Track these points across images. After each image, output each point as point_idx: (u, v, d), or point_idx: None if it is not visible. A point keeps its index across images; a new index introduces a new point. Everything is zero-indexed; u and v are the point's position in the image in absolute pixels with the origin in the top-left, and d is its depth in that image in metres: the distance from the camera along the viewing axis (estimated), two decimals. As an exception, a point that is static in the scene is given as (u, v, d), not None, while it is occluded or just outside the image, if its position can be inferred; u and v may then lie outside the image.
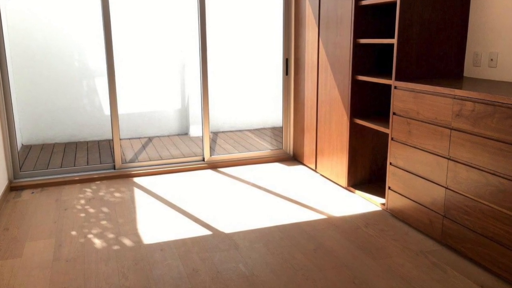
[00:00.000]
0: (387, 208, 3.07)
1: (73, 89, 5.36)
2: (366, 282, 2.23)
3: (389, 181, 3.00)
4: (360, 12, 3.26)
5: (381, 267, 2.37)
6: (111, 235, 2.78)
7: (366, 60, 3.37)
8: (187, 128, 5.81)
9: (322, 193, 3.50)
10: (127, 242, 2.69)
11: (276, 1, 5.86)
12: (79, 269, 2.37)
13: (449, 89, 2.42)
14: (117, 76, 5.45)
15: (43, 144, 5.28)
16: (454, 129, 2.41)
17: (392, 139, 2.93)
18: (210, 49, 5.74)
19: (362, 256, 2.49)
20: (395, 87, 2.87)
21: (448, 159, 2.46)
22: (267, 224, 2.93)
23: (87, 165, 4.27)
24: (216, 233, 2.80)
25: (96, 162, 4.50)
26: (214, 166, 4.19)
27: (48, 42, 5.17)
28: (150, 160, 4.14)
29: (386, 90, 3.48)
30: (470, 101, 2.29)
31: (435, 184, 2.58)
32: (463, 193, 2.39)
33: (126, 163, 4.07)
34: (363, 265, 2.39)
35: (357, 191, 3.43)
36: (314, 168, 4.03)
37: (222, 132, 5.89)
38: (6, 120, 3.59)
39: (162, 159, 4.21)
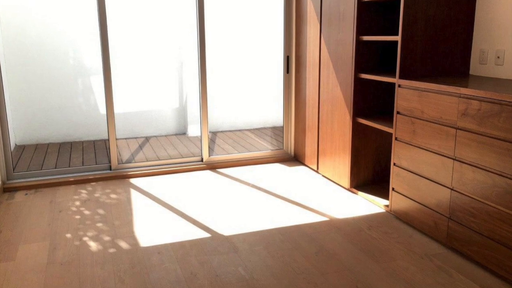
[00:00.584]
0: (390, 210, 3.07)
1: (68, 88, 5.36)
2: (369, 286, 2.23)
3: (393, 182, 3.00)
4: (363, 8, 3.26)
5: (384, 271, 2.37)
6: (107, 238, 2.79)
7: (369, 57, 3.37)
8: (185, 127, 5.81)
9: (324, 195, 3.50)
10: (123, 245, 2.69)
11: (276, -3, 5.87)
12: (74, 273, 2.37)
13: (454, 87, 2.42)
14: (113, 74, 5.46)
15: (37, 144, 5.28)
16: (460, 129, 2.41)
17: (396, 139, 2.94)
18: (209, 46, 5.74)
19: (365, 260, 2.49)
20: (399, 86, 2.87)
21: (454, 159, 2.47)
22: (267, 227, 2.93)
23: (82, 165, 4.27)
24: (215, 236, 2.80)
25: (92, 163, 4.50)
26: (213, 166, 4.20)
27: (42, 39, 5.18)
28: (147, 161, 4.14)
29: (389, 89, 3.48)
30: (476, 99, 2.29)
31: (440, 185, 2.58)
32: (469, 195, 2.39)
33: (123, 163, 4.07)
34: (366, 269, 2.39)
35: (360, 193, 3.44)
36: (315, 169, 4.03)
37: (221, 131, 5.89)
38: (-1, 119, 3.59)
39: (159, 159, 4.21)
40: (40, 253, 2.60)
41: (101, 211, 3.21)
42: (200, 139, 4.80)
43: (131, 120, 5.65)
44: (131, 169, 4.00)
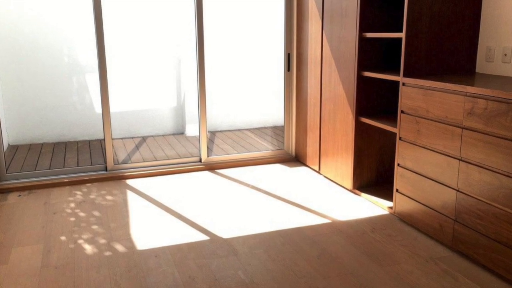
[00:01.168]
0: (394, 212, 3.07)
1: (62, 86, 5.36)
2: (372, 290, 2.23)
3: (397, 183, 3.00)
4: (366, 4, 3.26)
5: (388, 275, 2.37)
6: (102, 241, 2.78)
7: (372, 55, 3.37)
8: (183, 127, 5.81)
9: (326, 196, 3.50)
10: (119, 248, 2.69)
11: (277, -8, 5.87)
12: (68, 277, 2.37)
13: (460, 85, 2.42)
14: (109, 72, 5.46)
15: (30, 144, 5.28)
16: (466, 128, 2.41)
17: (400, 138, 2.94)
18: (207, 43, 5.74)
19: (368, 263, 2.49)
20: (403, 84, 2.87)
21: (460, 160, 2.46)
22: (267, 229, 2.93)
23: (77, 166, 4.27)
24: (214, 238, 2.80)
25: (87, 163, 4.50)
26: (211, 167, 4.20)
27: (36, 36, 5.17)
28: (144, 161, 4.14)
29: (393, 87, 3.48)
30: (483, 98, 2.29)
31: (445, 187, 2.58)
32: (475, 196, 2.39)
33: (119, 164, 4.07)
34: (370, 272, 2.39)
35: (363, 194, 3.43)
36: (317, 170, 4.03)
37: (220, 131, 5.89)
38: (-9, 118, 3.59)
39: (156, 160, 4.21)
40: (33, 256, 2.59)
41: (96, 213, 3.21)
42: (198, 139, 4.80)
43: (128, 120, 5.65)
44: (128, 170, 4.00)
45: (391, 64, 3.47)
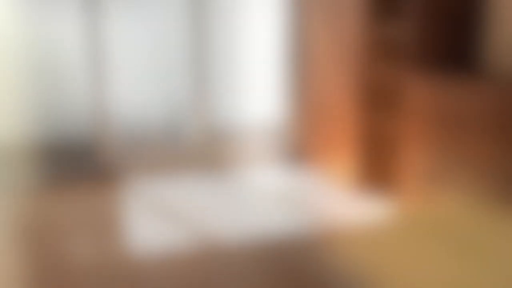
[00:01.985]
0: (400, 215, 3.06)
1: (54, 84, 5.35)
2: (377, 298, 2.22)
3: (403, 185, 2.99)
4: (370, -2, 3.25)
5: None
6: (95, 247, 2.77)
7: (376, 49, 3.35)
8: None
9: (328, 198, 3.49)
10: (113, 255, 2.68)
11: (277, -15, 5.85)
12: (60, 285, 2.36)
13: (467, 83, 2.41)
14: (103, 70, 5.44)
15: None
16: (473, 128, 2.40)
17: (406, 137, 2.92)
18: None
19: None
20: (408, 80, 2.86)
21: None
22: (266, 233, 2.92)
23: (70, 167, 4.26)
24: (212, 243, 2.79)
25: (81, 164, 4.49)
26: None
27: (27, 31, 5.15)
28: (140, 162, 4.13)
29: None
30: (491, 97, 2.28)
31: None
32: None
33: (114, 165, 4.06)
34: (375, 280, 2.38)
35: (367, 196, 3.43)
36: (319, 170, 4.02)
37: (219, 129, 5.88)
38: (-20, 119, 3.58)
39: (153, 160, 4.20)
40: (20, 263, 2.58)
41: (89, 217, 3.20)
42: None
43: (123, 119, 5.63)
44: (123, 171, 3.99)
45: (396, 59, 3.46)
